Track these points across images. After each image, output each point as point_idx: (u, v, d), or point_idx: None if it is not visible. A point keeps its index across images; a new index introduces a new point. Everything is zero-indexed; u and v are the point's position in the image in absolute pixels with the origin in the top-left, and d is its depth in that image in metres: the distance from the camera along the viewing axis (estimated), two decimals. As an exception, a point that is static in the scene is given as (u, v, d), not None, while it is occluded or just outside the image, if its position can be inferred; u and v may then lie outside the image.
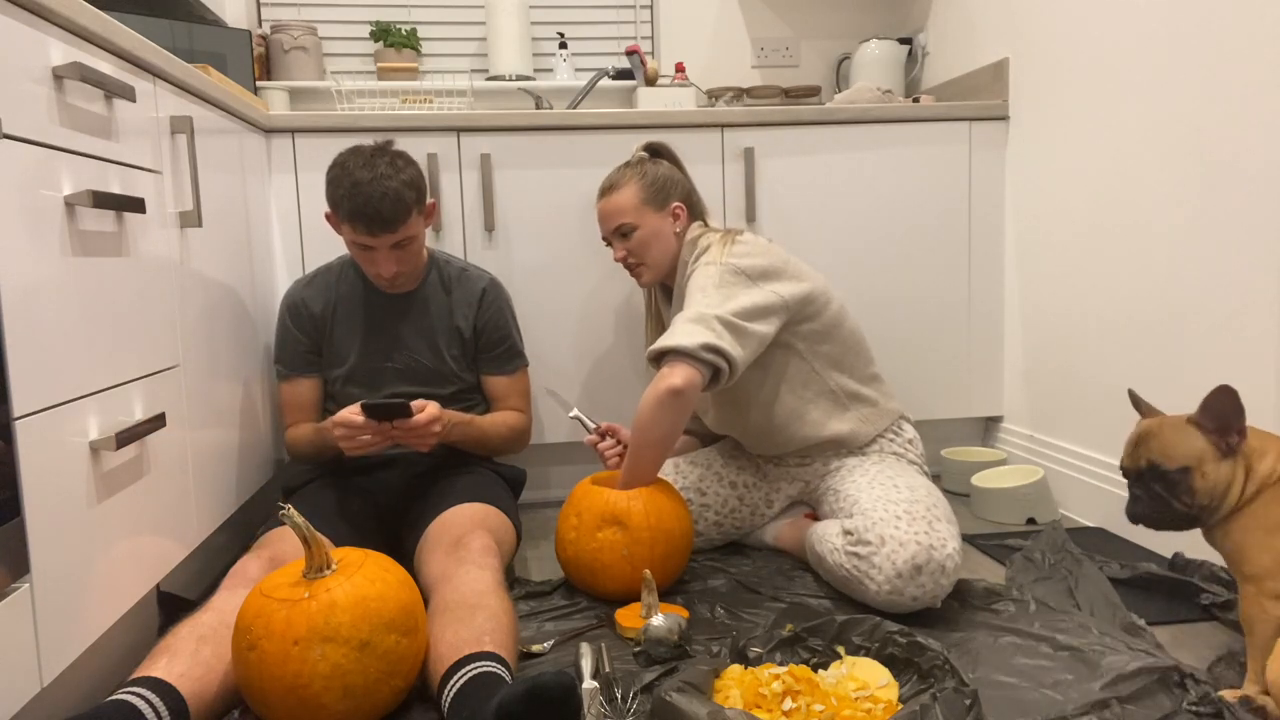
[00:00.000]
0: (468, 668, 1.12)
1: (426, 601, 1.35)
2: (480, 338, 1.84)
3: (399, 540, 1.68)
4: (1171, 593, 1.54)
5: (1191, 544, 1.65)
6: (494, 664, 1.13)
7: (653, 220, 1.76)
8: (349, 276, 1.82)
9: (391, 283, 1.74)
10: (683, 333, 1.53)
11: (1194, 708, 1.15)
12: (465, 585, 1.30)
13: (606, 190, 1.79)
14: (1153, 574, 1.57)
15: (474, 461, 1.82)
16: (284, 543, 1.47)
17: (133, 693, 1.07)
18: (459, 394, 1.83)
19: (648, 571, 1.47)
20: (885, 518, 1.48)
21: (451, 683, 1.11)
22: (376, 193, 1.59)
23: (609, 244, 1.83)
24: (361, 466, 1.74)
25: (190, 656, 1.16)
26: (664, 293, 1.91)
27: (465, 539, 1.45)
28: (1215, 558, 1.57)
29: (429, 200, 1.74)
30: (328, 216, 1.71)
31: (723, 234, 1.72)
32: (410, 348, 1.80)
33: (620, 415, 2.20)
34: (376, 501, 1.73)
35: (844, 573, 1.51)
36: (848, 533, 1.52)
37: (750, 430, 1.78)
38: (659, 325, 1.94)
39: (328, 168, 1.67)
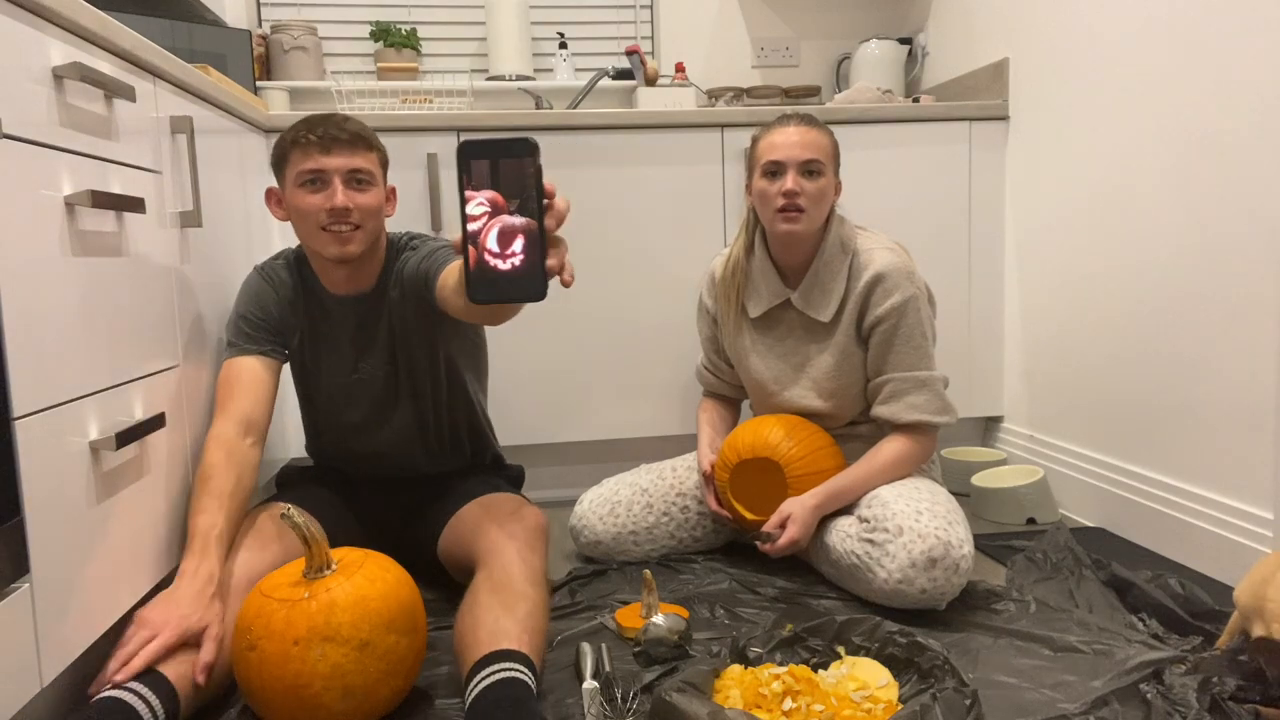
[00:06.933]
0: (502, 665, 1.14)
1: (462, 562, 1.44)
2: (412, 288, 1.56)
3: (398, 542, 1.66)
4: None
5: (1184, 548, 1.66)
6: (524, 670, 1.15)
7: (832, 178, 1.67)
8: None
9: (343, 238, 1.49)
10: (935, 408, 1.64)
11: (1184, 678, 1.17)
12: (515, 567, 1.32)
13: (805, 120, 1.66)
14: (1123, 577, 1.53)
15: (478, 471, 1.74)
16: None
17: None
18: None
19: (647, 572, 1.48)
20: (906, 510, 1.48)
21: (483, 674, 1.13)
22: (334, 118, 1.50)
23: (771, 174, 1.65)
24: (361, 479, 1.69)
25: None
26: (755, 258, 1.76)
27: (518, 512, 1.47)
28: (1189, 557, 1.58)
29: (389, 185, 1.58)
30: (269, 194, 1.57)
31: (887, 239, 1.70)
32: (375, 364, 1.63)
33: (617, 413, 2.21)
34: (371, 504, 1.67)
35: (852, 560, 1.51)
36: (864, 520, 1.52)
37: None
38: (743, 290, 1.79)
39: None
